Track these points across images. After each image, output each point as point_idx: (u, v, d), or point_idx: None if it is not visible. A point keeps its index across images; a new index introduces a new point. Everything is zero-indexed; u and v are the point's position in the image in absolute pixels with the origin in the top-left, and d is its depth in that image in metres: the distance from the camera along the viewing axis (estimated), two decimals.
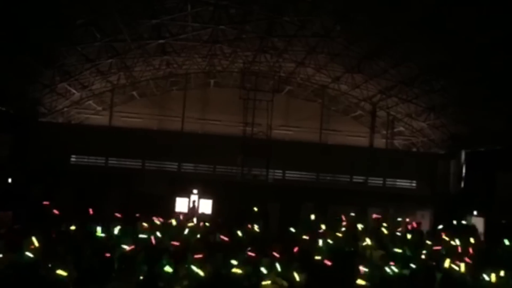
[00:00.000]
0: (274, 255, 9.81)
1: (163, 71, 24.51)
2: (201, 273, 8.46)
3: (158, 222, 13.56)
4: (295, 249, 11.03)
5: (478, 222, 19.93)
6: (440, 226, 16.54)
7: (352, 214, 17.68)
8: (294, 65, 23.53)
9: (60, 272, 7.50)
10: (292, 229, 14.02)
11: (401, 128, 27.02)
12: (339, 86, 24.74)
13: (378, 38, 17.43)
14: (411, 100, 22.78)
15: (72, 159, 22.71)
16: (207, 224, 14.44)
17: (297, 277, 8.79)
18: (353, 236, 13.89)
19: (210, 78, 26.89)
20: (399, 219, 18.40)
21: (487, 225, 19.54)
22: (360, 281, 8.65)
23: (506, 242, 13.37)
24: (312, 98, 27.86)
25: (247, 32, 19.32)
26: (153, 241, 10.57)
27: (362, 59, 20.02)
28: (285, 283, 8.75)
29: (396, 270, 9.80)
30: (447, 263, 10.25)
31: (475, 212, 20.67)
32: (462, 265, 9.96)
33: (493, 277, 9.42)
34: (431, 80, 19.81)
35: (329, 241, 12.85)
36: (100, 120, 26.46)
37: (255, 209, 16.39)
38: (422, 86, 20.73)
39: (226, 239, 12.03)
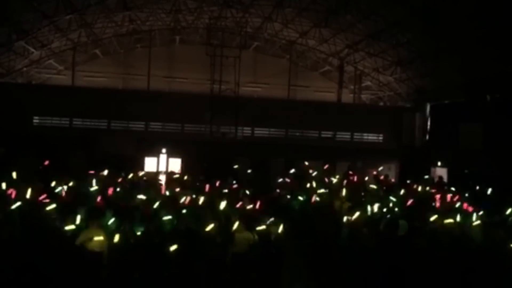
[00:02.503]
0: (252, 207, 9.95)
1: (126, 28, 23.71)
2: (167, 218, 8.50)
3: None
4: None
5: (442, 173, 20.55)
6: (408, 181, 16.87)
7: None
8: (261, 20, 23.11)
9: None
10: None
11: (368, 83, 27.22)
12: (306, 41, 24.54)
13: None
14: (378, 54, 22.86)
15: (35, 121, 22.05)
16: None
17: (280, 228, 8.89)
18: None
19: (175, 34, 26.20)
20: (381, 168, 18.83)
21: (450, 175, 20.18)
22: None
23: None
24: (280, 54, 27.61)
25: None
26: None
27: (329, 13, 19.81)
28: (256, 236, 8.86)
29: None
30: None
31: (439, 163, 21.27)
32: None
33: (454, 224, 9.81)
34: (397, 34, 19.86)
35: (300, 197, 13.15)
36: (62, 80, 25.62)
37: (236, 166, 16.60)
38: (388, 40, 20.78)
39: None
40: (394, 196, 12.69)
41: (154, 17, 22.65)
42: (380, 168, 18.87)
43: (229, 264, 8.78)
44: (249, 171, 16.40)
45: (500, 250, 8.56)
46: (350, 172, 17.77)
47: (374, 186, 13.21)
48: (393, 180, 18.87)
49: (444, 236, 9.27)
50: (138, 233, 8.43)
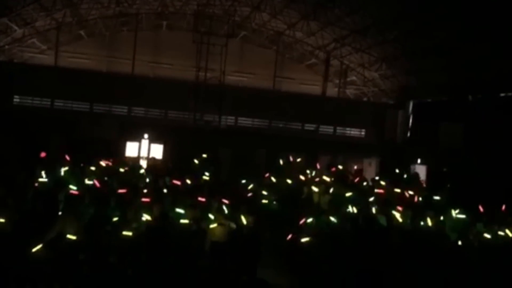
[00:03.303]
0: (222, 200, 9.90)
1: (113, 10, 23.35)
2: (148, 217, 8.44)
3: (104, 165, 13.29)
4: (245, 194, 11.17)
5: (421, 170, 20.77)
6: (376, 177, 16.96)
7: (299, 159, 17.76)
8: (249, 10, 22.99)
9: None
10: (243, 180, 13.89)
11: (353, 78, 27.35)
12: (294, 33, 24.51)
13: None
14: (364, 50, 22.96)
15: (15, 100, 21.68)
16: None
17: (244, 219, 8.93)
18: (301, 182, 14.15)
19: (162, 19, 25.89)
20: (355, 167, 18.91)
21: (429, 173, 20.42)
22: (304, 239, 8.82)
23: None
24: (267, 44, 27.50)
25: None
26: (97, 184, 10.28)
27: (318, 5, 19.80)
28: (232, 225, 8.90)
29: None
30: (391, 210, 10.69)
31: (418, 161, 21.50)
32: (398, 214, 10.35)
33: (429, 221, 9.93)
34: (384, 31, 19.95)
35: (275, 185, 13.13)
36: (45, 60, 25.15)
37: (205, 155, 16.24)
38: (375, 36, 20.86)
39: (178, 183, 11.96)
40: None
41: (142, 0, 22.37)
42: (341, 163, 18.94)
43: (207, 252, 8.80)
44: (196, 160, 15.55)
45: (474, 247, 8.74)
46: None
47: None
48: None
49: (421, 233, 9.41)
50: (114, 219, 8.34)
